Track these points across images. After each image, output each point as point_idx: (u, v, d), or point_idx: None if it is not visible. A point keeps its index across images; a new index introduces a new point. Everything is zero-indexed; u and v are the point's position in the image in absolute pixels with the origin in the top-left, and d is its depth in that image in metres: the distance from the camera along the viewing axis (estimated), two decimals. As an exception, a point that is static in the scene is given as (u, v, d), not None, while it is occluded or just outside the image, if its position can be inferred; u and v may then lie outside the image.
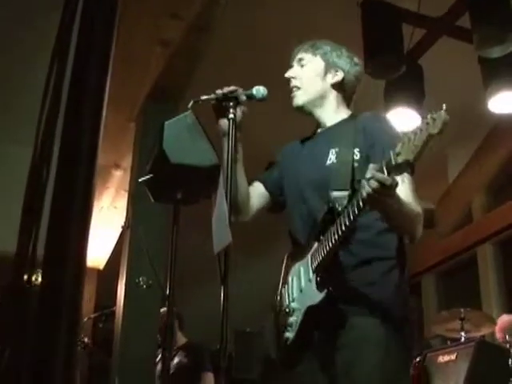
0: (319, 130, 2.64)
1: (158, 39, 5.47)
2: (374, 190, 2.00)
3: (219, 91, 2.45)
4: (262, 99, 2.52)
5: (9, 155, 6.61)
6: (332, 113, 2.61)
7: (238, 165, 2.50)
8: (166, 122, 2.74)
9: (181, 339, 5.70)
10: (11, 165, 6.51)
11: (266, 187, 2.72)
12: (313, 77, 2.62)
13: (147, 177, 2.84)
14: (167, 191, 2.88)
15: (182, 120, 2.72)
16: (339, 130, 2.53)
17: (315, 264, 2.37)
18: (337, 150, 2.47)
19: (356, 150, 2.40)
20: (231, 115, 2.51)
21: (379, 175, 2.00)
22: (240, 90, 2.47)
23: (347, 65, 2.63)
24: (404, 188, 2.24)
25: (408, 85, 5.52)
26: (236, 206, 2.53)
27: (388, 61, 5.18)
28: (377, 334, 2.25)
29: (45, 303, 0.84)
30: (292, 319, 2.43)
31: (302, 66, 2.64)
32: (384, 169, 2.00)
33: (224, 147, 2.43)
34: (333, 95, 2.62)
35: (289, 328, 2.43)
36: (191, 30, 5.22)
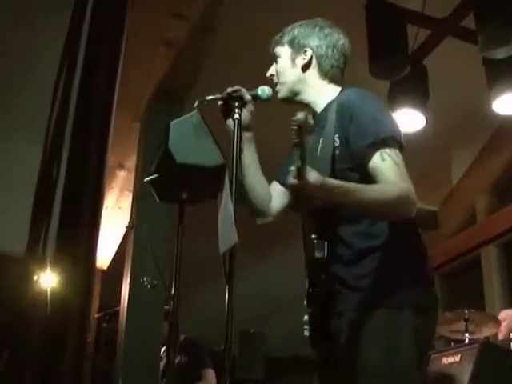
0: (314, 119, 2.56)
1: (161, 39, 5.48)
2: (292, 195, 2.07)
3: (224, 92, 2.44)
4: (267, 99, 2.52)
5: (9, 153, 6.62)
6: (317, 94, 2.52)
7: (252, 165, 2.49)
8: (172, 122, 2.74)
9: (179, 337, 5.68)
10: (11, 163, 6.53)
11: (284, 184, 2.69)
12: (284, 67, 2.55)
13: (152, 176, 2.84)
14: (172, 191, 2.88)
15: (188, 120, 2.72)
16: (325, 116, 2.45)
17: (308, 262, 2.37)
18: (322, 139, 2.42)
19: (336, 136, 2.32)
20: (236, 115, 2.51)
21: (290, 180, 2.04)
22: (244, 90, 2.46)
23: (315, 40, 2.53)
24: (383, 167, 2.20)
25: (412, 86, 5.51)
26: (255, 207, 2.56)
27: (392, 62, 5.18)
28: (378, 327, 2.18)
29: (55, 303, 0.84)
30: (306, 317, 2.43)
31: (276, 60, 2.59)
32: (296, 173, 2.03)
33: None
34: (309, 77, 2.52)
35: (305, 326, 2.42)
36: (195, 30, 5.23)
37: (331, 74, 2.54)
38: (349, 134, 2.28)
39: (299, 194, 2.05)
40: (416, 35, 5.49)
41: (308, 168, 2.04)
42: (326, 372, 2.40)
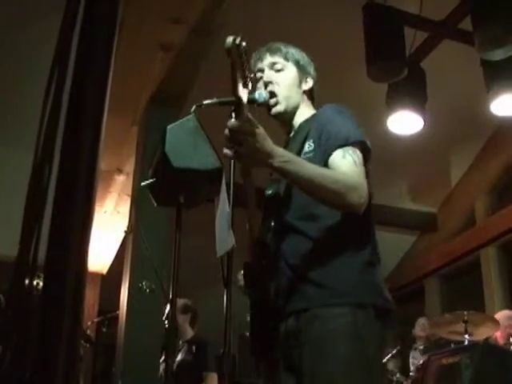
0: (291, 135, 2.59)
1: (160, 43, 5.48)
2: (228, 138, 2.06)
3: None
4: (264, 103, 2.51)
5: (9, 160, 6.63)
6: (302, 117, 2.58)
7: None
8: (169, 126, 2.74)
9: (189, 333, 5.69)
10: (11, 169, 6.54)
11: None
12: (291, 85, 2.57)
13: (150, 181, 2.84)
14: (170, 195, 2.89)
15: (185, 124, 2.73)
16: (300, 130, 2.52)
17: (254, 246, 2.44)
18: (293, 149, 2.43)
19: (310, 142, 2.37)
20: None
21: (229, 121, 2.05)
22: None
23: (312, 71, 2.64)
24: (342, 163, 2.22)
25: (410, 88, 5.52)
26: None
27: (390, 64, 5.18)
28: (339, 326, 2.15)
29: (46, 308, 0.85)
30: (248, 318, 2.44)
31: (278, 70, 2.58)
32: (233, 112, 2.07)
33: None
34: (304, 101, 2.60)
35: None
36: (193, 34, 5.23)
37: (312, 101, 2.64)
38: (321, 139, 2.33)
39: (234, 134, 2.04)
40: (413, 38, 5.50)
41: (252, 118, 2.06)
42: (278, 373, 2.37)
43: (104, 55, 0.88)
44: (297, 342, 2.23)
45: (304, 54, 2.66)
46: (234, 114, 2.04)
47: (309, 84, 2.61)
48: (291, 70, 2.59)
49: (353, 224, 2.27)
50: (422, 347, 6.58)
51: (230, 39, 2.01)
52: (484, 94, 5.39)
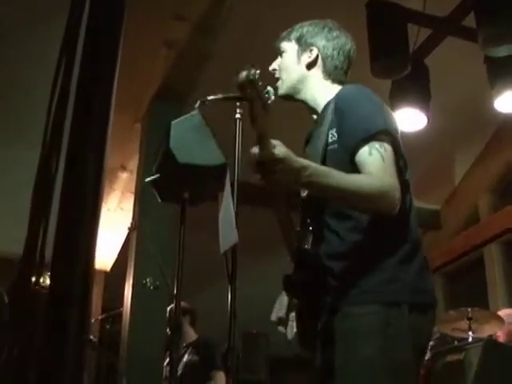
0: (315, 117, 2.50)
1: (163, 40, 5.48)
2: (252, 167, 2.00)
3: None
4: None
5: (11, 159, 6.64)
6: (318, 94, 2.46)
7: None
8: (173, 122, 2.74)
9: (192, 335, 5.69)
10: (13, 168, 6.55)
11: None
12: (288, 63, 2.49)
13: (154, 176, 2.84)
14: (174, 191, 2.88)
15: (189, 120, 2.73)
16: (325, 114, 2.39)
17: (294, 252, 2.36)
18: (319, 138, 2.36)
19: (333, 131, 2.26)
20: (238, 115, 2.51)
21: (252, 150, 1.98)
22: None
23: (322, 40, 2.48)
24: (369, 161, 2.12)
25: (414, 85, 5.50)
26: None
27: (393, 61, 5.17)
28: (370, 323, 2.10)
29: (53, 306, 0.84)
30: (293, 313, 2.41)
31: (281, 55, 2.53)
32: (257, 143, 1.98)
33: None
34: (312, 75, 2.47)
35: (290, 323, 2.40)
36: (196, 30, 5.24)
37: (334, 75, 2.49)
38: (342, 129, 2.24)
39: (265, 166, 1.96)
40: (417, 34, 5.49)
41: (273, 141, 1.97)
42: (317, 371, 2.34)
43: (111, 50, 0.88)
44: (331, 341, 2.17)
45: (313, 24, 2.54)
46: (258, 145, 1.95)
47: (312, 56, 2.47)
48: (291, 49, 2.51)
49: (387, 222, 2.17)
50: None
51: (243, 75, 1.91)
52: (488, 91, 5.37)
